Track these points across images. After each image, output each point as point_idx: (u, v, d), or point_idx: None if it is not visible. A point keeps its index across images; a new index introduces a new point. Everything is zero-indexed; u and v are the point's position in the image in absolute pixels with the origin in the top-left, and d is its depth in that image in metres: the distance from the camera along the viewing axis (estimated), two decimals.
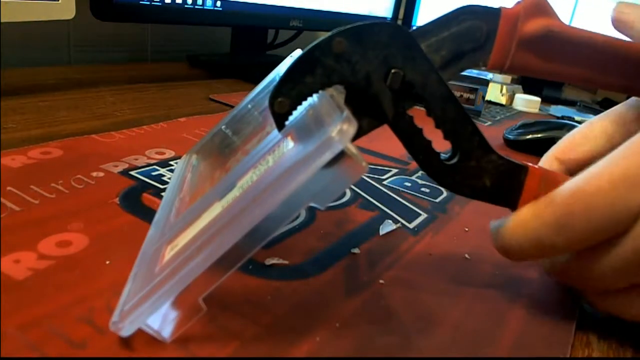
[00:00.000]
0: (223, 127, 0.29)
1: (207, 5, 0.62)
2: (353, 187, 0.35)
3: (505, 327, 0.22)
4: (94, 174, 0.31)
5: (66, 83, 0.56)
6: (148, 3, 0.56)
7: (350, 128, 0.15)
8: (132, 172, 0.32)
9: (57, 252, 0.22)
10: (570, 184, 0.20)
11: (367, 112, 0.21)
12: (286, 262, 0.24)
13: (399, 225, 0.30)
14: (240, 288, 0.22)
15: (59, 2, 0.46)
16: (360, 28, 0.20)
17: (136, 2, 0.55)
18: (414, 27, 0.22)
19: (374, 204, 0.33)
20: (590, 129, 0.27)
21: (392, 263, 0.26)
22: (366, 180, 0.37)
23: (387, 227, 0.29)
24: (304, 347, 0.19)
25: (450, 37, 0.22)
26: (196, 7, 0.61)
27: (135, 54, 0.80)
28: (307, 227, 0.28)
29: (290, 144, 0.19)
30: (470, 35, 0.22)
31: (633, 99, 0.26)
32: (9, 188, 0.28)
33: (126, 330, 0.18)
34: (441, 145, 0.22)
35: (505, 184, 0.22)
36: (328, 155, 0.16)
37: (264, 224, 0.17)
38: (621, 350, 0.22)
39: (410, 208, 0.33)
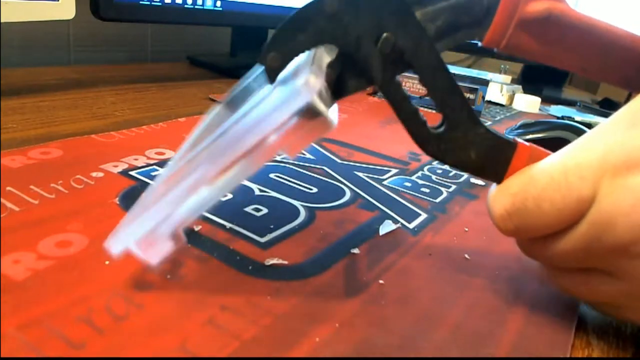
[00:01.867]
0: (251, 80, 0.30)
1: (207, 5, 0.62)
2: (353, 187, 0.35)
3: (505, 327, 0.22)
4: (94, 174, 0.31)
5: (66, 83, 0.56)
6: (148, 3, 0.56)
7: (317, 81, 0.16)
8: (132, 172, 0.32)
9: (56, 253, 0.22)
10: (525, 173, 0.21)
11: (356, 73, 0.21)
12: (286, 262, 0.24)
13: (398, 225, 0.30)
14: (240, 288, 0.22)
15: (59, 2, 0.46)
16: None
17: (136, 2, 0.55)
18: None
19: (373, 204, 0.33)
20: None
21: (392, 263, 0.26)
22: (366, 181, 0.37)
23: (387, 227, 0.29)
24: (304, 347, 0.19)
25: (448, 7, 0.21)
26: (196, 7, 0.61)
27: (135, 54, 0.80)
28: (306, 227, 0.28)
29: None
30: (469, 8, 0.21)
31: None
32: (8, 188, 0.28)
33: (115, 249, 0.19)
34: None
35: (491, 158, 0.22)
36: (293, 106, 0.16)
37: (238, 168, 0.18)
38: (621, 351, 0.22)
39: (410, 208, 0.33)
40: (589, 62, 0.22)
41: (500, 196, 0.21)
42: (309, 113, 0.17)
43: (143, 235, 0.19)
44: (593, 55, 0.22)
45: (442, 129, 0.22)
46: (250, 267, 0.23)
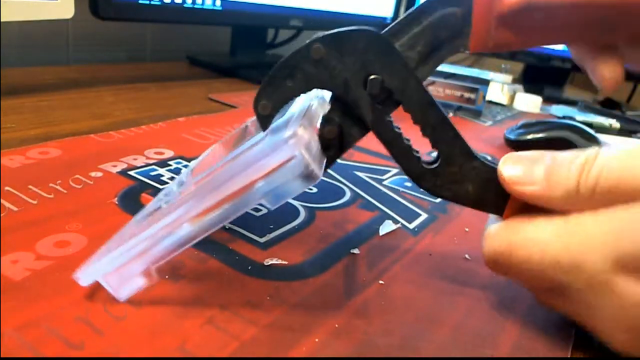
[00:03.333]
0: (249, 123, 0.30)
1: (207, 4, 0.62)
2: (353, 187, 0.35)
3: (505, 327, 0.22)
4: (93, 174, 0.31)
5: (65, 83, 0.56)
6: (147, 2, 0.56)
7: (305, 134, 0.16)
8: (131, 172, 0.32)
9: (55, 253, 0.22)
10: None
11: (355, 122, 0.22)
12: (285, 262, 0.24)
13: (399, 225, 0.30)
14: (239, 288, 0.22)
15: (58, 1, 0.46)
16: (337, 35, 0.20)
17: (135, 1, 0.55)
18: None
19: (374, 204, 0.33)
20: None
21: (392, 263, 0.26)
22: (366, 181, 0.37)
23: (387, 227, 0.29)
24: (303, 347, 0.19)
25: (423, 30, 0.21)
26: (196, 6, 0.61)
27: (135, 54, 0.80)
28: (306, 228, 0.28)
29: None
30: (444, 23, 0.21)
31: None
32: (7, 188, 0.28)
33: (83, 281, 0.19)
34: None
35: (489, 191, 0.21)
36: (279, 156, 0.17)
37: (214, 215, 0.18)
38: None
39: (411, 208, 0.33)
40: (574, 34, 0.21)
41: (496, 242, 0.21)
42: (293, 165, 0.17)
43: (115, 269, 0.19)
44: (578, 27, 0.21)
45: (436, 164, 0.21)
46: (249, 267, 0.23)
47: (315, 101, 0.21)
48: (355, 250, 0.26)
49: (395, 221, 0.30)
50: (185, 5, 0.60)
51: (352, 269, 0.25)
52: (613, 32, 0.22)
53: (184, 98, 0.56)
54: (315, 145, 0.19)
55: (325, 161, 0.21)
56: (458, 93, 0.66)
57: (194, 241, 0.19)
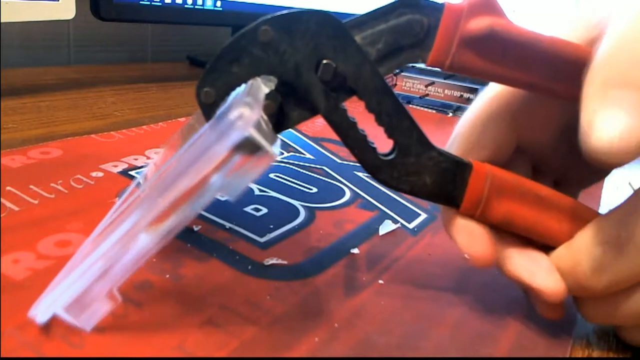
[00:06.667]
0: (192, 121, 0.28)
1: (207, 5, 0.62)
2: (353, 187, 0.35)
3: (504, 327, 0.22)
4: (94, 174, 0.31)
5: (66, 83, 0.56)
6: (148, 3, 0.56)
7: (252, 113, 0.15)
8: (132, 172, 0.32)
9: (56, 252, 0.22)
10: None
11: (299, 103, 0.20)
12: (285, 262, 0.24)
13: (398, 225, 0.30)
14: (239, 288, 0.22)
15: (59, 2, 0.46)
16: (286, 16, 0.19)
17: (136, 2, 0.55)
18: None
19: (373, 204, 0.33)
20: (483, 133, 0.23)
21: (392, 263, 0.26)
22: (366, 180, 0.37)
23: (387, 227, 0.29)
24: (303, 347, 0.19)
25: (388, 30, 0.20)
26: (196, 7, 0.61)
27: (136, 54, 0.80)
28: (306, 227, 0.28)
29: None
30: (409, 29, 0.20)
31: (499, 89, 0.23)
32: (8, 188, 0.28)
33: (40, 318, 0.18)
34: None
35: (447, 182, 0.21)
36: (228, 141, 0.15)
37: (172, 219, 0.17)
38: (621, 351, 0.22)
39: (410, 208, 0.33)
40: (535, 77, 0.20)
41: (588, 248, 0.19)
42: (248, 148, 0.16)
43: (73, 298, 0.17)
44: (539, 71, 0.20)
45: (393, 155, 0.20)
46: (249, 267, 0.23)
47: (259, 78, 0.19)
48: (355, 250, 0.26)
49: (395, 221, 0.31)
50: (185, 6, 0.60)
51: (352, 269, 0.25)
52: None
53: (184, 98, 0.56)
54: (265, 123, 0.18)
55: (277, 140, 0.19)
56: (457, 93, 0.66)
57: (156, 249, 0.17)
